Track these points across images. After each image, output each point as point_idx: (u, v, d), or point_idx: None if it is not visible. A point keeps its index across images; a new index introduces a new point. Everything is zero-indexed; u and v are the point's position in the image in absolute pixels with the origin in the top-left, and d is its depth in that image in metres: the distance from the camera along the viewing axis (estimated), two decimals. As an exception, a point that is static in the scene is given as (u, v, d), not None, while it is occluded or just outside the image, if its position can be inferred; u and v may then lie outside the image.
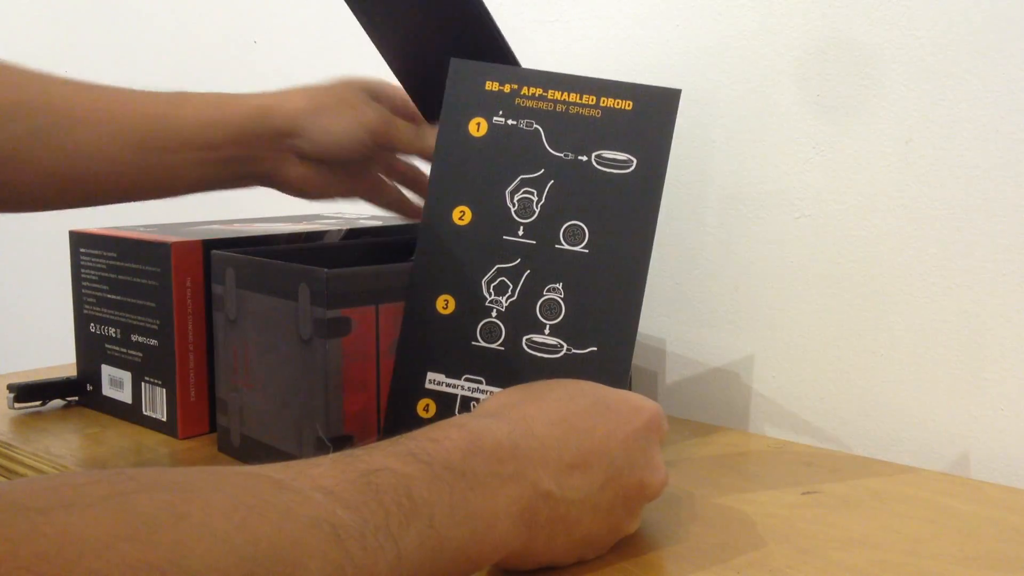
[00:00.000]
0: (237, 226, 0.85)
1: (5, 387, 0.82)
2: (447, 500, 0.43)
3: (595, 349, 0.60)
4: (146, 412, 0.76)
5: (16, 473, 0.72)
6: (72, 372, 0.84)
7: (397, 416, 0.60)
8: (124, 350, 0.78)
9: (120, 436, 0.75)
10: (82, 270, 0.81)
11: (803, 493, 0.64)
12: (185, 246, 0.73)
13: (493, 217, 0.61)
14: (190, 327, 0.73)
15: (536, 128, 0.61)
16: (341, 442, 0.62)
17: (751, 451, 0.73)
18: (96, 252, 0.79)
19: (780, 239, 0.78)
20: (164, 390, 0.75)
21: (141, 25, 1.40)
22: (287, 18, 1.18)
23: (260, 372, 0.66)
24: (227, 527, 0.34)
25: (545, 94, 0.61)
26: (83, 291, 0.81)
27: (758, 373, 0.81)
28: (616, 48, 0.86)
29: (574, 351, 0.59)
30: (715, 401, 0.83)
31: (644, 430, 0.52)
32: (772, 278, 0.79)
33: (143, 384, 0.76)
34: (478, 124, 0.62)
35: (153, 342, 0.75)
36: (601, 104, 0.61)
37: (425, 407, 0.56)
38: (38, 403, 0.82)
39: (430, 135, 0.71)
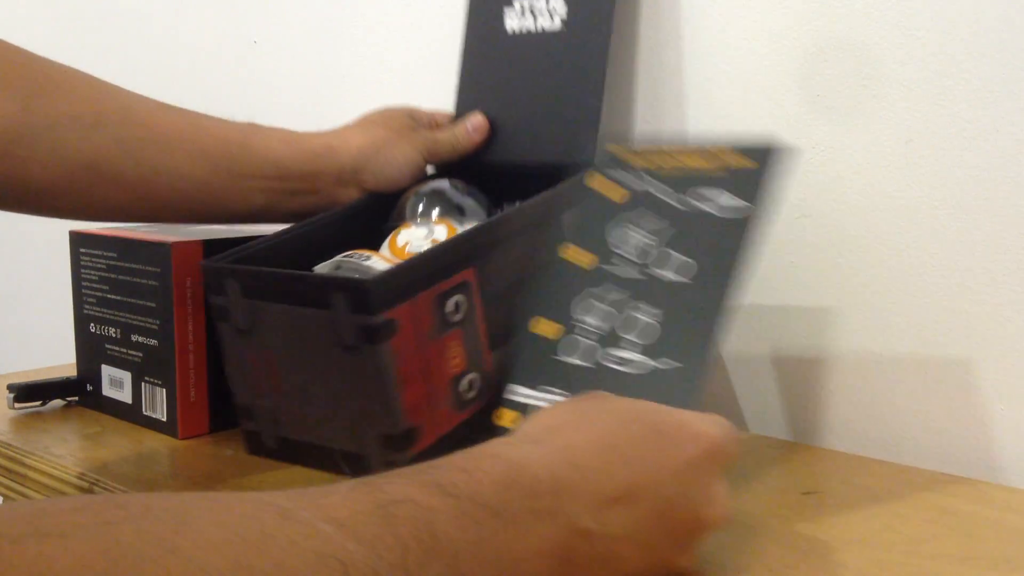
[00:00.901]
0: (237, 226, 0.85)
1: (5, 387, 0.82)
2: (474, 538, 0.39)
3: (678, 366, 0.59)
4: (146, 412, 0.76)
5: (16, 473, 0.72)
6: (72, 372, 0.84)
7: (473, 424, 0.60)
8: (124, 350, 0.78)
9: (120, 436, 0.75)
10: (82, 270, 0.81)
11: (803, 493, 0.64)
12: (185, 246, 0.73)
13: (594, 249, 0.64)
14: (190, 327, 0.73)
15: (650, 178, 0.64)
16: (408, 437, 0.62)
17: (751, 451, 0.73)
18: (96, 252, 0.79)
19: (780, 239, 0.78)
20: (164, 390, 0.75)
21: (141, 25, 1.40)
22: (287, 18, 1.18)
23: (293, 378, 0.66)
24: (220, 564, 0.31)
25: (666, 152, 0.65)
26: (83, 291, 0.81)
27: (758, 373, 0.80)
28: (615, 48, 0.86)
29: (654, 366, 0.59)
30: (715, 402, 0.83)
31: (702, 459, 0.47)
32: (772, 278, 0.79)
33: (143, 384, 0.76)
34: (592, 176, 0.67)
35: (153, 342, 0.75)
36: (721, 158, 0.63)
37: (503, 416, 0.55)
38: (38, 403, 0.82)
39: (461, 135, 0.81)
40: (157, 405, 0.75)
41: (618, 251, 0.64)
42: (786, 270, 0.78)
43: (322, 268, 0.70)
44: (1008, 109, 0.67)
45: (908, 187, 0.72)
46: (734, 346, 0.82)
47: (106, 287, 0.79)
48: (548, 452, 0.44)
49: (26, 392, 0.81)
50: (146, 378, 0.76)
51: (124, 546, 0.30)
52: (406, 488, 0.39)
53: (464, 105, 0.85)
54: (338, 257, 0.70)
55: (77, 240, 0.81)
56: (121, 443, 0.74)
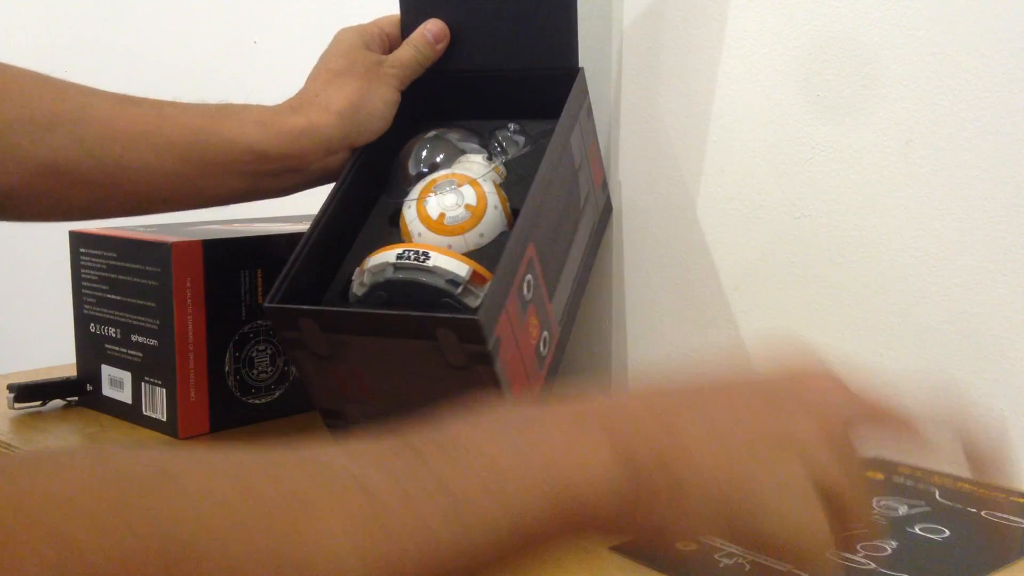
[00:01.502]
0: (237, 226, 0.85)
1: (5, 387, 0.82)
2: (512, 441, 0.34)
3: None
4: (146, 412, 0.76)
5: (16, 473, 0.71)
6: (72, 372, 0.84)
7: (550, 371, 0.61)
8: (124, 350, 0.78)
9: (120, 436, 0.75)
10: (82, 270, 0.81)
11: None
12: (185, 246, 0.73)
13: None
14: (190, 327, 0.73)
15: None
16: None
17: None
18: (96, 252, 0.79)
19: (780, 239, 0.78)
20: (164, 390, 0.75)
21: (141, 25, 1.40)
22: (287, 18, 1.18)
23: (387, 389, 0.67)
24: (226, 490, 0.29)
25: None
26: (83, 291, 0.81)
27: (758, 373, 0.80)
28: (613, 51, 0.86)
29: None
30: (715, 401, 0.83)
31: (802, 386, 0.41)
32: (772, 278, 0.79)
33: (143, 384, 0.76)
34: None
35: (153, 342, 0.75)
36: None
37: (685, 544, 0.55)
38: (38, 403, 0.82)
39: (424, 49, 0.76)
40: (157, 405, 0.75)
41: None
42: (786, 270, 0.78)
43: (376, 271, 0.66)
44: (1008, 109, 0.67)
45: (908, 187, 0.72)
46: (732, 345, 0.82)
47: (106, 287, 0.79)
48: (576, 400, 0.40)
49: (26, 392, 0.81)
50: (146, 378, 0.76)
51: (124, 475, 0.29)
52: (421, 431, 0.35)
53: (411, 6, 0.78)
54: (388, 257, 0.66)
55: (77, 240, 0.81)
56: (121, 443, 0.74)
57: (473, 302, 0.65)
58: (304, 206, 1.11)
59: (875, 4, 0.72)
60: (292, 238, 0.79)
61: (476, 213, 0.69)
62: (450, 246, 0.68)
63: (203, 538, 0.28)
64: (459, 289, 0.65)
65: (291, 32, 1.18)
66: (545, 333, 0.71)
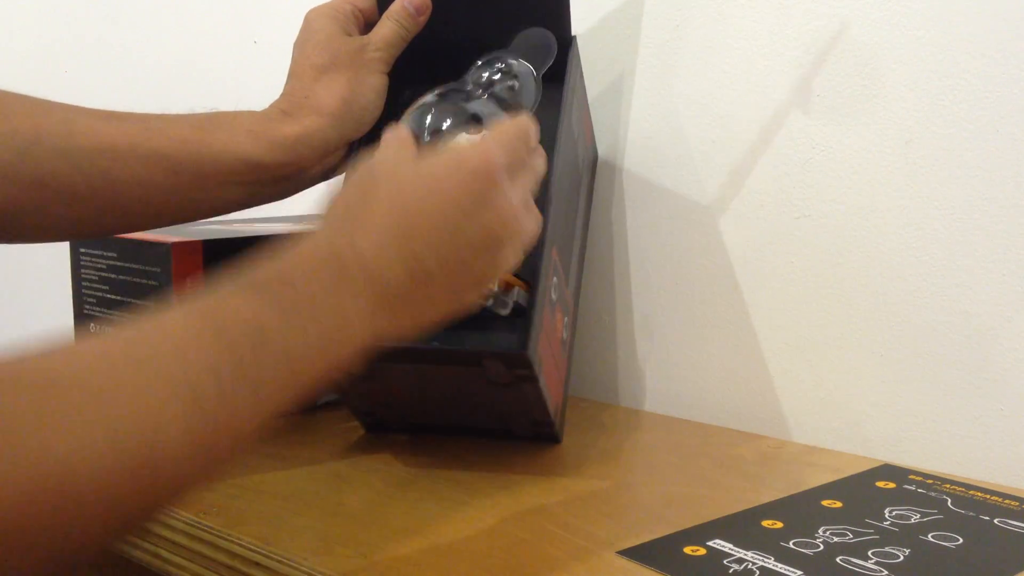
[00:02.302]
0: (237, 226, 0.85)
1: (5, 387, 0.82)
2: (298, 326, 0.45)
3: None
4: (146, 412, 0.76)
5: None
6: (72, 372, 0.84)
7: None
8: (124, 350, 0.77)
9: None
10: (82, 270, 0.81)
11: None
12: (185, 246, 0.73)
13: None
14: (190, 327, 0.73)
15: None
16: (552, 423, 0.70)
17: (751, 451, 0.73)
18: (96, 252, 0.79)
19: (780, 239, 0.78)
20: (164, 390, 0.74)
21: (141, 25, 1.40)
22: (287, 18, 1.18)
23: (423, 399, 0.70)
24: (88, 415, 0.36)
25: None
26: (83, 291, 0.81)
27: (758, 373, 0.80)
28: (614, 49, 0.86)
29: None
30: (715, 401, 0.83)
31: (477, 180, 0.52)
32: (772, 278, 0.79)
33: (143, 384, 0.76)
34: None
35: (153, 342, 0.75)
36: None
37: (693, 549, 0.54)
38: (38, 403, 0.82)
39: (406, 22, 0.74)
40: (157, 405, 0.75)
41: None
42: (786, 270, 0.78)
43: None
44: (1008, 109, 0.67)
45: (908, 187, 0.72)
46: (733, 345, 0.82)
47: (106, 287, 0.79)
48: (349, 235, 0.50)
49: (26, 392, 0.81)
50: (146, 378, 0.76)
51: (3, 415, 0.35)
52: (231, 301, 0.44)
53: None
54: None
55: (77, 240, 0.81)
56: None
57: (503, 310, 0.67)
58: (304, 206, 1.11)
59: (875, 4, 0.72)
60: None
61: None
62: None
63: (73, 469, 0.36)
64: (490, 302, 0.67)
65: (291, 32, 1.18)
66: (566, 319, 0.73)
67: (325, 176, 0.73)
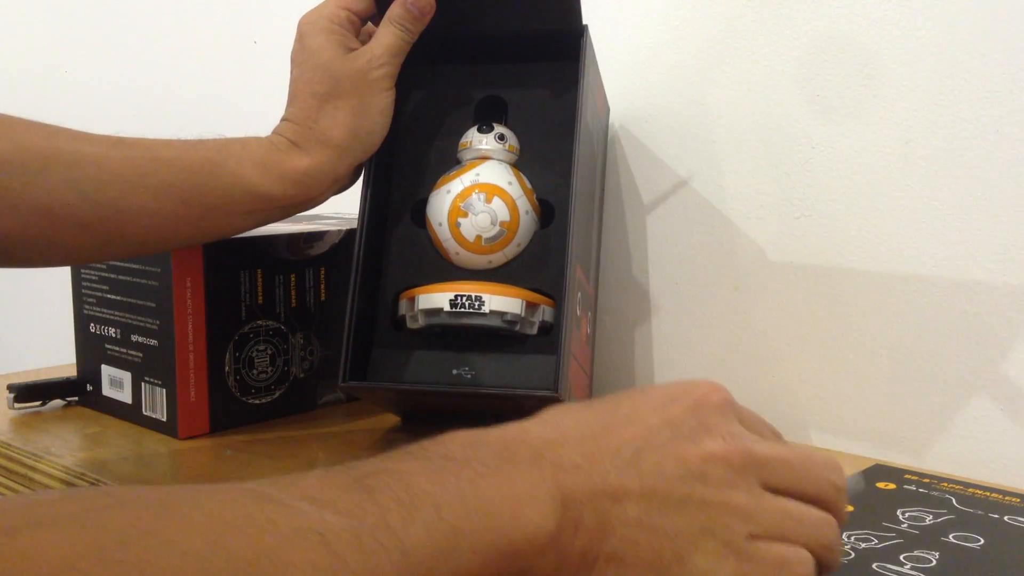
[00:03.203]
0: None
1: (5, 387, 0.82)
2: (454, 488, 0.38)
3: None
4: (146, 412, 0.76)
5: (16, 473, 0.72)
6: (72, 372, 0.84)
7: None
8: (124, 350, 0.78)
9: (120, 436, 0.75)
10: (82, 270, 0.81)
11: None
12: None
13: None
14: (190, 327, 0.73)
15: None
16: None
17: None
18: (96, 252, 0.79)
19: (780, 239, 0.78)
20: (164, 390, 0.75)
21: (141, 25, 1.40)
22: (287, 18, 1.18)
23: (457, 415, 0.73)
24: (200, 544, 0.32)
25: None
26: (83, 291, 0.81)
27: (758, 373, 0.80)
28: (615, 47, 0.86)
29: None
30: (715, 401, 0.83)
31: (694, 406, 0.44)
32: (772, 278, 0.79)
33: (143, 384, 0.76)
34: None
35: (153, 342, 0.75)
36: None
37: None
38: (38, 403, 0.82)
39: (410, 23, 0.69)
40: (157, 405, 0.75)
41: None
42: (786, 270, 0.78)
43: (430, 313, 0.68)
44: (1008, 109, 0.67)
45: (908, 187, 0.72)
46: (732, 345, 0.82)
47: (106, 287, 0.79)
48: (519, 424, 0.44)
49: (26, 392, 0.81)
50: (146, 378, 0.76)
51: (108, 531, 0.31)
52: (378, 462, 0.39)
53: None
54: (441, 301, 0.68)
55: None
56: (121, 443, 0.74)
57: (530, 330, 0.68)
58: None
59: (875, 4, 0.72)
60: (292, 238, 0.79)
61: (511, 227, 0.70)
62: (490, 262, 0.70)
63: None
64: (516, 326, 0.68)
65: (291, 32, 1.18)
66: (589, 314, 0.74)
67: (331, 195, 0.73)
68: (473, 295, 0.67)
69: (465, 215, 0.69)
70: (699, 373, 0.84)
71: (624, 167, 0.87)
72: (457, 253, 0.70)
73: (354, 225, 0.85)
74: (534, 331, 0.69)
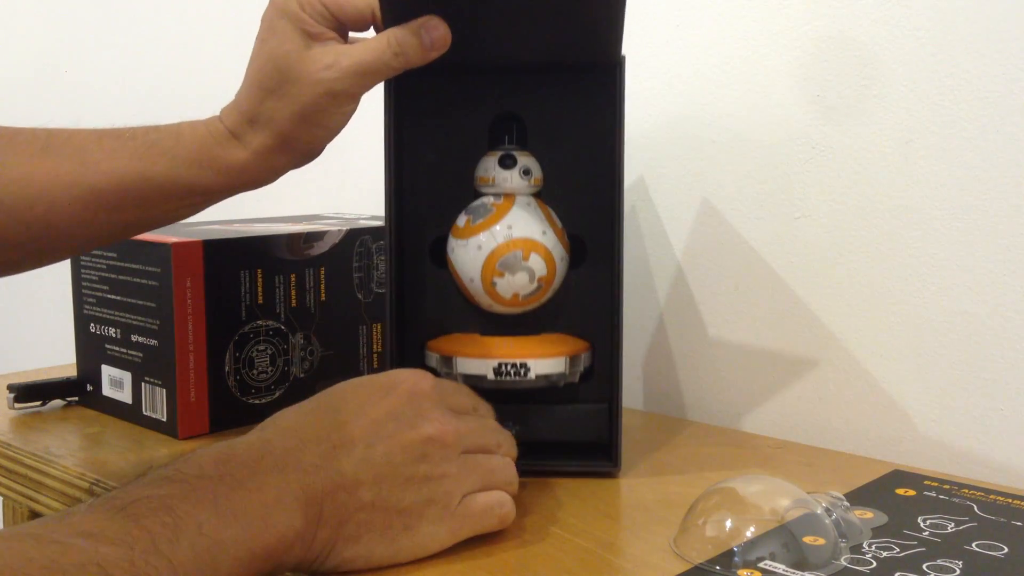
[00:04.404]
0: (237, 226, 0.85)
1: (5, 387, 0.82)
2: (211, 505, 0.43)
3: None
4: (146, 412, 0.76)
5: (16, 473, 0.72)
6: (72, 372, 0.84)
7: None
8: (124, 350, 0.78)
9: (120, 436, 0.75)
10: (82, 270, 0.81)
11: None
12: (185, 246, 0.73)
13: None
14: (190, 327, 0.73)
15: None
16: None
17: (751, 451, 0.73)
18: (96, 252, 0.79)
19: (780, 239, 0.78)
20: (164, 390, 0.75)
21: (141, 25, 1.40)
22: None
23: None
24: None
25: None
26: (83, 291, 0.81)
27: (758, 373, 0.80)
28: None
29: None
30: (715, 401, 0.83)
31: (407, 396, 0.52)
32: (772, 278, 0.79)
33: (143, 384, 0.76)
34: None
35: (153, 342, 0.75)
36: None
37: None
38: (38, 403, 0.82)
39: (413, 53, 0.59)
40: (157, 405, 0.75)
41: None
42: (786, 270, 0.78)
43: (473, 379, 0.66)
44: (1008, 109, 0.67)
45: (908, 187, 0.72)
46: (732, 345, 0.82)
47: (106, 287, 0.79)
48: (256, 430, 0.49)
49: (26, 392, 0.81)
50: (146, 378, 0.76)
51: None
52: (138, 489, 0.43)
53: None
54: (485, 368, 0.66)
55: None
56: (121, 443, 0.74)
57: (573, 379, 0.68)
58: (305, 205, 1.11)
59: (875, 4, 0.72)
60: (292, 238, 0.79)
61: (549, 280, 0.66)
62: (524, 309, 0.68)
63: None
64: (561, 383, 0.67)
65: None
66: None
67: (286, 171, 0.66)
68: (518, 362, 0.65)
69: (502, 275, 0.65)
70: (699, 373, 0.84)
71: (624, 167, 0.86)
72: (491, 306, 0.67)
73: (354, 225, 0.85)
74: (576, 379, 0.68)
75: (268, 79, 0.60)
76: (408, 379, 0.54)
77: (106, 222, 0.62)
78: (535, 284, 0.66)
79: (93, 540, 0.39)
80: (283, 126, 0.60)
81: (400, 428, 0.51)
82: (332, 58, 0.59)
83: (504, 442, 0.57)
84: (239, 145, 0.62)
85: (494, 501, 0.54)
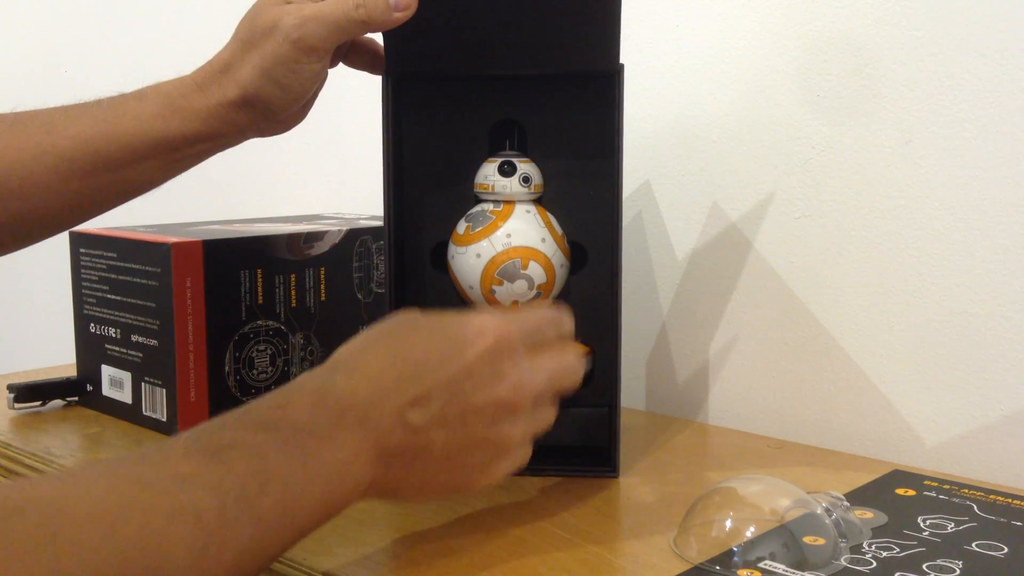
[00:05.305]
0: (237, 226, 0.85)
1: (5, 387, 0.82)
2: (300, 461, 0.45)
3: None
4: (146, 412, 0.76)
5: (16, 473, 0.72)
6: (72, 372, 0.84)
7: None
8: (124, 350, 0.78)
9: (120, 436, 0.75)
10: (82, 270, 0.81)
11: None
12: (185, 246, 0.73)
13: None
14: (190, 327, 0.74)
15: None
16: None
17: (751, 451, 0.73)
18: (96, 252, 0.79)
19: (780, 239, 0.78)
20: (164, 390, 0.75)
21: (141, 25, 1.40)
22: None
23: None
24: (96, 538, 0.37)
25: None
26: (83, 291, 0.81)
27: (758, 373, 0.80)
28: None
29: None
30: (715, 401, 0.83)
31: (487, 349, 0.51)
32: (772, 278, 0.79)
33: (143, 384, 0.76)
34: None
35: (153, 342, 0.75)
36: None
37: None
38: (38, 403, 0.82)
39: (378, 11, 0.61)
40: (157, 405, 0.75)
41: None
42: (786, 270, 0.78)
43: None
44: (1008, 109, 0.67)
45: (908, 187, 0.72)
46: (732, 344, 0.82)
47: (106, 287, 0.79)
48: (348, 376, 0.50)
49: (26, 392, 0.81)
50: (146, 378, 0.76)
51: (16, 541, 0.35)
52: (235, 433, 0.45)
53: None
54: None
55: (77, 240, 0.81)
56: (121, 443, 0.74)
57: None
58: (304, 205, 1.11)
59: (875, 4, 0.72)
60: (292, 238, 0.79)
61: (548, 287, 0.66)
62: None
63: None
64: None
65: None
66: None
67: (266, 131, 0.69)
68: None
69: (500, 283, 0.65)
70: (700, 373, 0.84)
71: (624, 167, 0.86)
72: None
73: (354, 225, 0.85)
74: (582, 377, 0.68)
75: (243, 30, 0.65)
76: (490, 332, 0.51)
77: (80, 189, 0.64)
78: (534, 292, 0.66)
79: (189, 485, 0.41)
80: (244, 77, 0.64)
81: (476, 388, 0.50)
82: (295, 12, 0.63)
83: (574, 382, 0.56)
84: (202, 96, 0.65)
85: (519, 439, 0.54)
